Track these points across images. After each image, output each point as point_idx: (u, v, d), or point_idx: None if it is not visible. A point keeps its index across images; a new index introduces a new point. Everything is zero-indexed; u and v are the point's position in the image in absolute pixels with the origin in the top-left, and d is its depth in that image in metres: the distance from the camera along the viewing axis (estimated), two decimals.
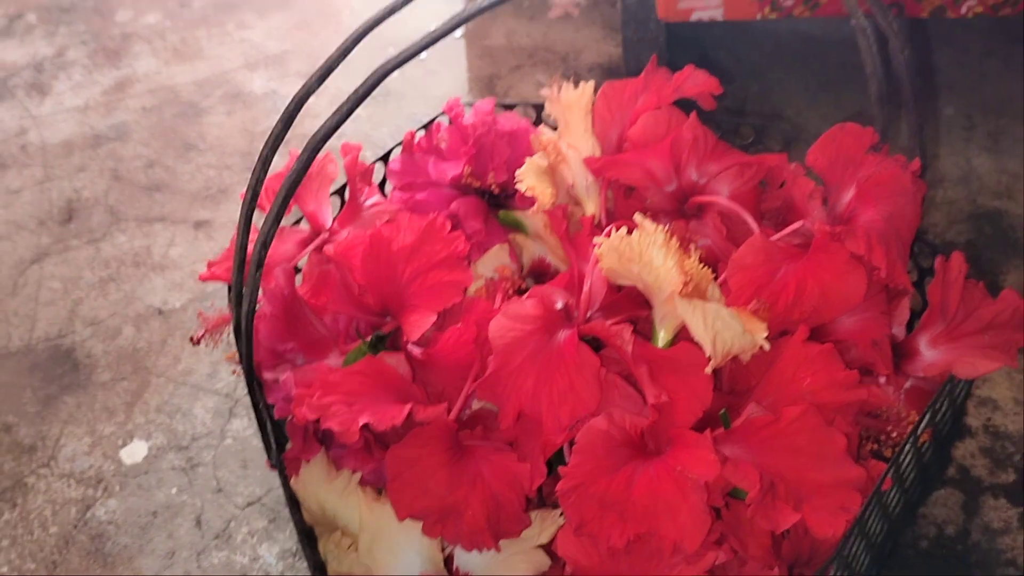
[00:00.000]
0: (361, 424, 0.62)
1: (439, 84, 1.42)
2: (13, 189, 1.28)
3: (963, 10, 1.14)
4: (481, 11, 0.55)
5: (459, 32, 1.52)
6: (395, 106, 1.38)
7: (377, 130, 1.34)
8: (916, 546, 0.87)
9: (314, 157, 0.56)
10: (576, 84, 0.87)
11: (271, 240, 0.58)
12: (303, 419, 0.64)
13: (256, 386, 0.68)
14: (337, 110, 0.56)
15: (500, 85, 1.42)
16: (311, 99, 1.40)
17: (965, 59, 1.39)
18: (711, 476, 0.59)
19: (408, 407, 0.64)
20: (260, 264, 0.59)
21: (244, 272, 0.62)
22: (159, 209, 1.23)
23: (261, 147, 1.14)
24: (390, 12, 0.60)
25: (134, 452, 0.97)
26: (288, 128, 0.59)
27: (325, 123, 0.56)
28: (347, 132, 1.40)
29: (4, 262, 1.17)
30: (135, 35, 1.54)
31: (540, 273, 0.85)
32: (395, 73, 1.47)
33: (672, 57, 1.30)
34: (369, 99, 1.42)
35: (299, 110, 0.59)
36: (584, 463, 0.62)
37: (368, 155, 1.26)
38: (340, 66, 0.62)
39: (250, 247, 0.74)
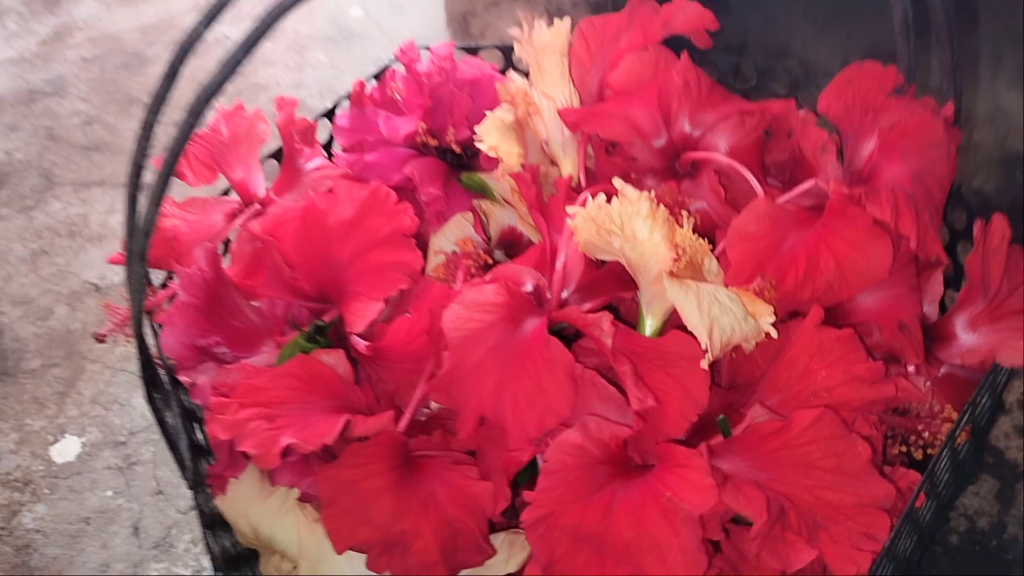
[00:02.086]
0: (283, 446, 0.51)
1: (409, 24, 1.29)
2: None
3: None
4: None
5: None
6: (360, 50, 1.25)
7: (340, 78, 1.21)
8: (945, 542, 0.77)
9: (195, 121, 0.44)
10: (553, 21, 0.75)
11: (152, 228, 0.46)
12: (216, 438, 0.53)
13: (160, 395, 0.57)
14: (225, 61, 0.45)
15: (476, 24, 1.29)
16: (266, 45, 1.26)
17: None
18: (706, 506, 0.48)
19: (343, 420, 0.53)
20: (142, 257, 0.47)
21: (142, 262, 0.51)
22: (98, 172, 1.11)
23: (213, 103, 1.01)
24: None
25: (66, 450, 0.87)
26: (169, 87, 0.47)
27: (211, 78, 0.44)
28: (306, 81, 1.28)
29: None
30: None
31: (511, 244, 0.74)
32: (359, 13, 1.34)
33: None
34: (330, 42, 1.30)
35: (181, 61, 0.47)
36: (554, 487, 0.52)
37: (328, 105, 1.14)
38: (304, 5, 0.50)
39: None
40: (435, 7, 1.32)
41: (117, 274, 1.01)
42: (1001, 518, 0.78)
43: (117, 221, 1.06)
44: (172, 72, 0.47)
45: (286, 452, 0.52)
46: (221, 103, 1.18)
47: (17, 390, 0.92)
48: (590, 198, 0.57)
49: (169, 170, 0.45)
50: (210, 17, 0.46)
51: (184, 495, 0.83)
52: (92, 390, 0.91)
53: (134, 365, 0.92)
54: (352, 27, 1.28)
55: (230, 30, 1.30)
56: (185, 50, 0.46)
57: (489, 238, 0.74)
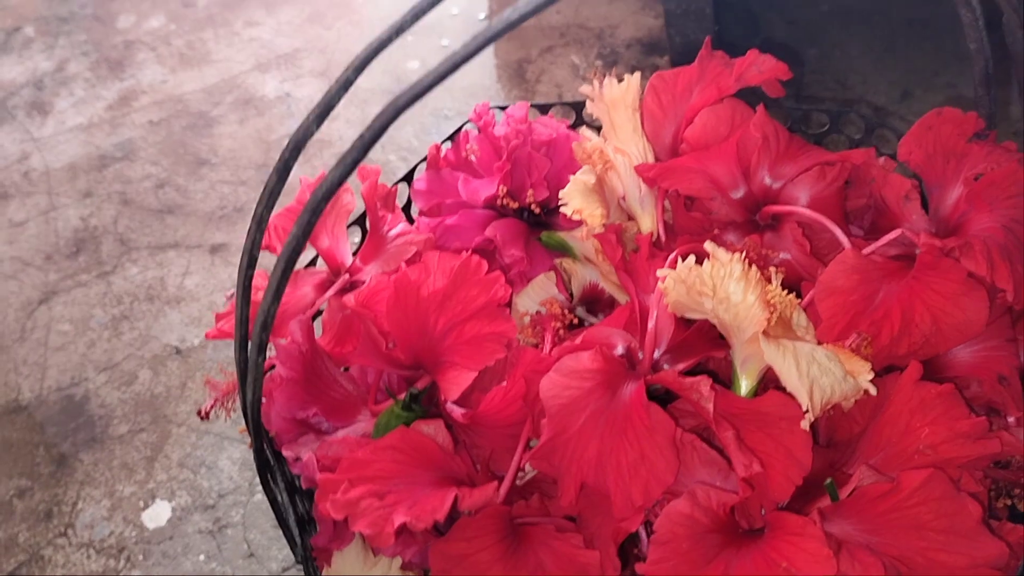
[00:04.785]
0: (397, 525, 0.52)
1: (464, 74, 1.31)
2: (17, 221, 1.19)
3: None
4: (511, 26, 0.45)
5: (482, 14, 1.40)
6: (419, 102, 1.27)
7: (400, 130, 1.23)
8: None
9: (314, 222, 0.45)
10: (614, 64, 0.76)
11: (271, 322, 0.47)
12: (328, 516, 0.54)
13: (271, 478, 0.58)
14: (341, 160, 0.46)
15: (531, 70, 1.30)
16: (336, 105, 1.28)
17: None
18: None
19: (452, 495, 0.54)
20: (262, 349, 0.49)
21: (247, 349, 0.52)
22: (172, 234, 1.14)
23: (276, 159, 1.03)
24: (398, 32, 0.49)
25: (157, 515, 0.89)
26: (283, 182, 0.49)
27: (328, 176, 0.46)
28: None
29: (11, 304, 1.09)
30: (138, 42, 1.44)
31: (593, 300, 0.74)
32: (415, 64, 1.37)
33: (720, 27, 1.18)
34: (389, 95, 1.32)
35: (295, 159, 0.49)
36: (667, 558, 0.52)
37: (392, 159, 1.16)
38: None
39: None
40: (488, 55, 1.34)
41: (197, 336, 1.03)
42: None
43: (193, 283, 1.08)
44: (284, 168, 0.48)
45: (400, 530, 0.53)
46: (298, 166, 1.20)
47: (107, 456, 0.94)
48: (680, 260, 0.58)
49: (288, 268, 0.46)
50: (322, 116, 0.47)
51: (275, 557, 0.84)
52: (179, 453, 0.93)
53: (220, 426, 0.94)
54: (410, 79, 1.30)
55: (292, 87, 1.33)
56: (298, 148, 0.47)
57: (571, 295, 0.74)
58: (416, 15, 0.48)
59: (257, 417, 0.52)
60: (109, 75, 1.38)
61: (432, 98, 1.28)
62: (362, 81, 1.40)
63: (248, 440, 0.67)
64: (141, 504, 0.90)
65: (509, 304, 0.71)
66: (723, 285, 0.57)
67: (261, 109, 1.28)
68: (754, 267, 0.57)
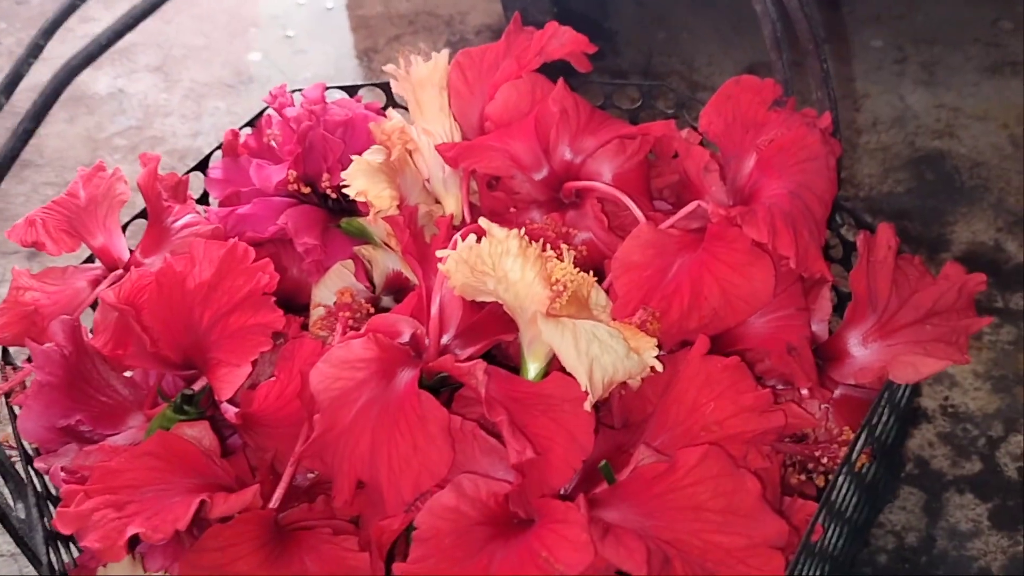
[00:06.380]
0: (128, 537, 0.48)
1: (308, 63, 1.26)
2: None
3: None
4: None
5: (331, 2, 1.36)
6: (259, 95, 1.21)
7: (239, 124, 1.17)
8: (873, 562, 0.75)
9: None
10: (456, 50, 0.73)
11: None
12: (62, 531, 0.49)
13: (11, 486, 0.53)
14: (14, 131, 0.41)
15: (378, 59, 1.26)
16: (161, 96, 1.21)
17: None
18: (582, 564, 0.45)
19: (196, 503, 0.50)
20: None
21: None
22: None
23: (104, 156, 0.96)
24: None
25: None
26: None
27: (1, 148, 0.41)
28: (204, 130, 1.24)
29: None
30: None
31: (398, 289, 0.70)
32: (257, 56, 1.31)
33: (566, 11, 1.15)
34: (228, 89, 1.26)
35: None
36: (428, 555, 0.48)
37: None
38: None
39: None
40: (335, 45, 1.30)
41: None
42: (930, 532, 0.76)
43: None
44: None
45: (133, 543, 0.48)
46: (116, 160, 1.13)
47: None
48: (460, 240, 0.55)
49: None
50: (11, 85, 0.42)
51: None
52: None
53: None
54: (251, 72, 1.25)
55: (126, 83, 1.26)
56: None
57: (374, 285, 0.70)
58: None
59: None
60: None
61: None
62: (199, 75, 1.33)
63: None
64: None
65: (300, 289, 0.67)
66: (501, 263, 0.53)
67: (92, 107, 1.21)
68: (533, 243, 0.54)
